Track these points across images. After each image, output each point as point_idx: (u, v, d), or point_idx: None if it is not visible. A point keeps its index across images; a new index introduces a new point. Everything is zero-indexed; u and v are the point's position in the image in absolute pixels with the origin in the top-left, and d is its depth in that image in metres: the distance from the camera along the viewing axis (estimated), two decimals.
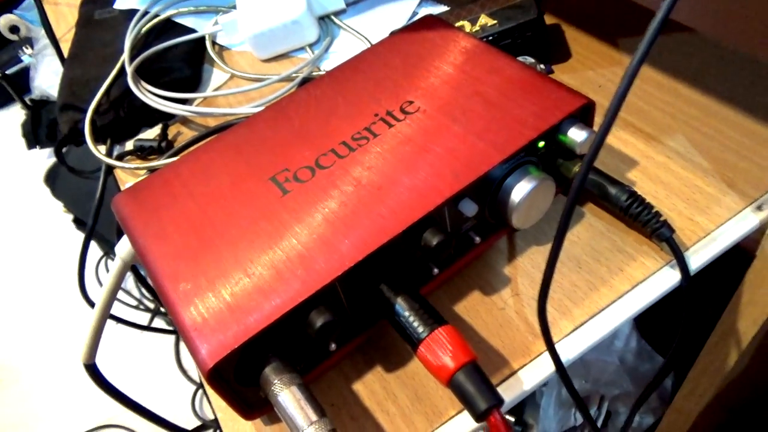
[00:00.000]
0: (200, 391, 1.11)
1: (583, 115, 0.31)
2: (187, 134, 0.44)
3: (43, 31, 1.49)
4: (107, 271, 1.29)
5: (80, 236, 1.21)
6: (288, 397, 0.24)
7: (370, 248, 0.26)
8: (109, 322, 0.39)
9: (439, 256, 0.28)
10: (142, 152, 0.43)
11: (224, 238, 0.28)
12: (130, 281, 1.25)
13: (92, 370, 0.40)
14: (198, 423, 1.06)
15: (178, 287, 0.27)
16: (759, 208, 0.32)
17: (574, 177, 0.32)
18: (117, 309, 1.05)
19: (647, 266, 0.31)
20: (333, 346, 0.28)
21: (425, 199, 0.28)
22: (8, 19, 1.70)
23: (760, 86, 0.37)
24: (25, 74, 1.63)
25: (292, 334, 0.26)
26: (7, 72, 1.61)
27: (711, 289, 0.40)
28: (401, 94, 0.33)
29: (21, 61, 1.63)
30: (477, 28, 0.41)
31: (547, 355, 0.28)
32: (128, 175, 0.43)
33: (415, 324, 0.26)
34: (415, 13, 0.49)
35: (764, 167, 0.33)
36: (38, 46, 1.54)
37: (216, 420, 0.91)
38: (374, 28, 0.48)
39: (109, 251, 1.27)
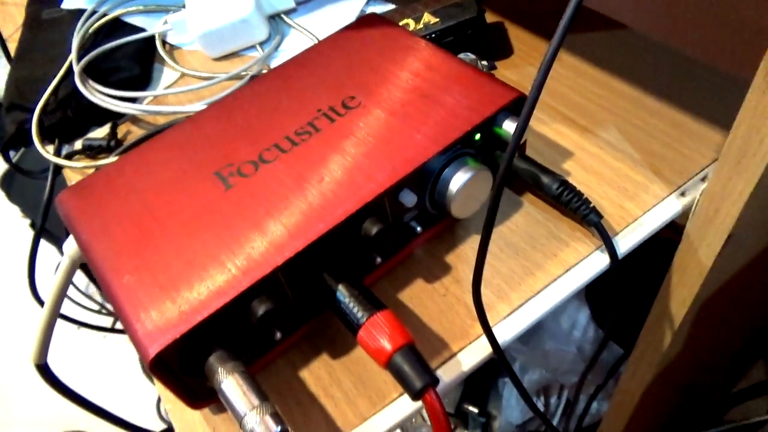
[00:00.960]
0: None
1: (518, 108, 0.33)
2: (137, 133, 0.45)
3: None
4: None
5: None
6: (231, 384, 0.25)
7: (310, 238, 0.27)
8: (71, 327, 0.39)
9: (380, 245, 0.29)
10: (91, 151, 0.43)
11: (167, 232, 0.28)
12: (93, 286, 1.23)
13: (43, 370, 0.40)
14: (163, 426, 1.05)
15: (122, 280, 0.27)
16: (682, 194, 0.34)
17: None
18: (79, 313, 1.04)
19: (579, 251, 0.32)
20: (278, 335, 0.29)
21: (364, 190, 0.29)
22: None
23: (687, 79, 0.40)
24: None
25: (236, 324, 0.27)
26: None
27: (654, 275, 0.42)
28: (343, 90, 0.34)
29: None
30: (420, 26, 0.42)
31: (484, 338, 0.29)
32: (77, 174, 0.43)
33: (355, 310, 0.27)
34: (363, 12, 0.50)
35: (688, 156, 0.35)
36: None
37: None
38: (324, 26, 0.49)
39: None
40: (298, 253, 0.27)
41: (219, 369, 0.26)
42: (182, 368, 0.26)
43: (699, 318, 0.40)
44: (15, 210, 1.43)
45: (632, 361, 0.47)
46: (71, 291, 1.15)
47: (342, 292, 0.28)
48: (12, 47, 0.53)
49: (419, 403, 0.27)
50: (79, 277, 1.20)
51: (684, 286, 0.36)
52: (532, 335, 0.86)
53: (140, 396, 1.09)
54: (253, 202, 0.29)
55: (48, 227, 0.49)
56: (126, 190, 0.31)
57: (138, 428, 0.71)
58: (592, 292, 0.82)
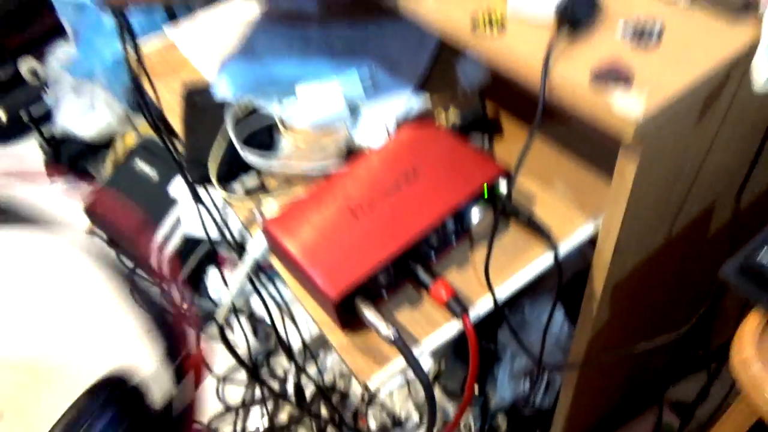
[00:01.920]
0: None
1: (507, 173, 0.61)
2: (271, 180, 0.72)
3: (63, 75, 1.72)
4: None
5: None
6: (371, 312, 0.53)
7: (405, 240, 0.55)
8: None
9: (435, 248, 0.57)
10: (249, 192, 0.70)
11: (340, 234, 0.56)
12: None
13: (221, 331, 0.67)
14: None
15: (314, 260, 0.55)
16: (595, 219, 0.62)
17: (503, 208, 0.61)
18: None
19: (537, 253, 0.60)
20: (384, 293, 0.57)
21: (428, 218, 0.57)
22: (29, 63, 1.94)
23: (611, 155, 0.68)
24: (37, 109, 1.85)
25: (369, 284, 0.55)
26: (31, 111, 1.84)
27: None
28: (408, 167, 0.62)
29: (42, 100, 1.86)
30: (449, 115, 0.70)
31: (489, 295, 0.57)
32: (238, 204, 0.70)
33: (426, 278, 0.55)
34: (409, 99, 0.78)
35: (599, 198, 0.63)
36: (59, 89, 1.76)
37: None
38: (384, 109, 0.77)
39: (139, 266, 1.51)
40: (400, 247, 0.55)
41: (363, 305, 0.53)
42: (343, 305, 0.54)
43: (613, 299, 0.68)
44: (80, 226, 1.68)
45: (576, 335, 0.74)
46: None
47: (420, 269, 0.56)
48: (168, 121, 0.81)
49: (460, 325, 0.55)
50: None
51: (598, 277, 0.64)
52: (519, 329, 1.12)
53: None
54: (380, 221, 0.57)
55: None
56: (310, 213, 0.59)
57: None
58: (566, 295, 1.09)
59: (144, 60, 0.67)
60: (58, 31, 1.96)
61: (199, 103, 0.80)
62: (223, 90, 0.80)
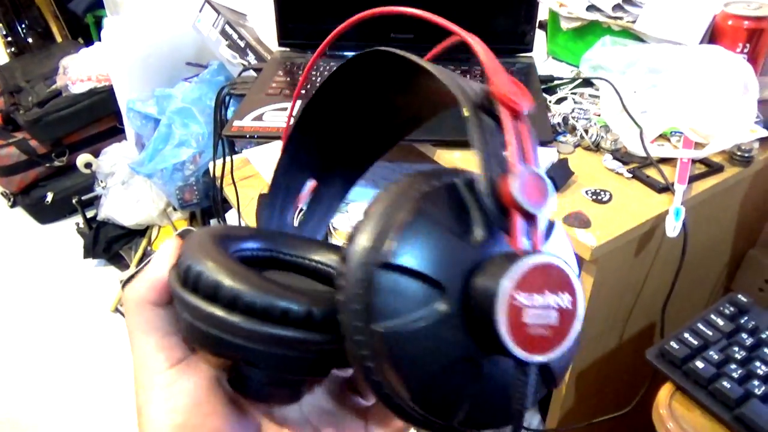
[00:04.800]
0: None
1: None
2: None
3: (113, 169, 2.00)
4: None
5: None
6: None
7: None
8: None
9: None
10: None
11: None
12: None
13: None
14: None
15: None
16: None
17: None
18: None
19: None
20: None
21: None
22: (84, 157, 2.24)
23: None
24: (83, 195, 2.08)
25: None
26: (83, 197, 2.08)
27: None
28: None
29: (94, 190, 2.12)
30: None
31: None
32: None
33: None
34: None
35: None
36: (110, 180, 2.03)
37: None
38: None
39: None
40: None
41: None
42: None
43: (578, 386, 0.88)
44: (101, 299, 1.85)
45: (548, 417, 0.94)
46: None
47: None
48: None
49: None
50: None
51: None
52: None
53: None
54: None
55: None
56: None
57: None
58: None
59: (233, 172, 0.92)
60: (113, 132, 2.28)
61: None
62: None
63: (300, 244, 0.32)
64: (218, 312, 0.24)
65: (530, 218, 0.23)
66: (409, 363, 0.21)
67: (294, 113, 0.36)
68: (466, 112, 0.24)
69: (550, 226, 0.25)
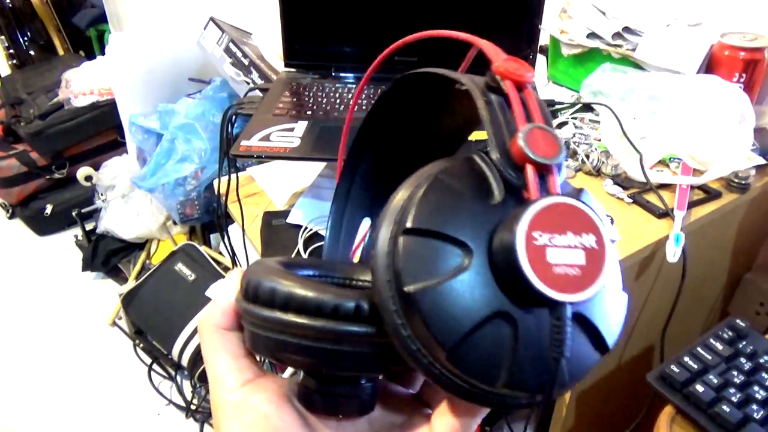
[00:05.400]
0: None
1: None
2: None
3: (114, 182, 2.00)
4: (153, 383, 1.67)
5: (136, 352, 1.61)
6: None
7: None
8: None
9: None
10: None
11: None
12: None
13: None
14: None
15: None
16: None
17: None
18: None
19: None
20: None
21: None
22: (84, 170, 2.24)
23: None
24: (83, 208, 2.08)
25: None
26: (82, 210, 2.08)
27: None
28: None
29: (93, 203, 2.12)
30: None
31: None
32: None
33: None
34: None
35: None
36: (110, 194, 2.03)
37: None
38: None
39: (158, 358, 1.67)
40: None
41: None
42: None
43: (578, 408, 0.89)
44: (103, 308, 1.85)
45: None
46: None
47: None
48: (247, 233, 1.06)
49: None
50: None
51: None
52: None
53: None
54: None
55: None
56: None
57: None
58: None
59: (238, 189, 0.93)
60: (114, 146, 2.29)
61: (275, 223, 1.06)
62: (297, 218, 1.06)
63: (352, 268, 0.33)
64: (273, 314, 0.26)
65: (544, 169, 0.23)
66: (440, 320, 0.21)
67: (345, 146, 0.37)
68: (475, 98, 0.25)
69: (578, 192, 0.25)
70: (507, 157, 0.23)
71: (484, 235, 0.23)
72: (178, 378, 1.66)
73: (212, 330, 0.29)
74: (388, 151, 0.36)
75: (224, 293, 0.29)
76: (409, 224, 0.22)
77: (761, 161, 0.85)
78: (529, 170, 0.23)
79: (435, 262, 0.22)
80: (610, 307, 0.24)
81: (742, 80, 0.93)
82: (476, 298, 0.22)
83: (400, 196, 0.24)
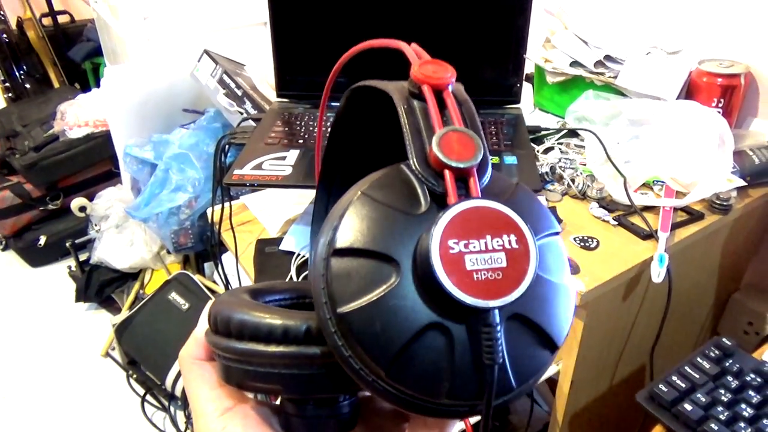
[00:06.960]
0: None
1: None
2: None
3: (108, 212, 2.01)
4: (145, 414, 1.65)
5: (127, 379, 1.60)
6: None
7: None
8: None
9: None
10: None
11: None
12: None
13: None
14: None
15: None
16: (557, 364, 0.87)
17: None
18: None
19: None
20: None
21: None
22: (78, 201, 2.25)
23: None
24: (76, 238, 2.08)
25: None
26: (76, 241, 2.08)
27: None
28: None
29: (87, 233, 2.12)
30: None
31: None
32: None
33: None
34: None
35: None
36: (104, 224, 2.04)
37: None
38: None
39: (152, 389, 1.65)
40: None
41: None
42: None
43: (572, 427, 0.90)
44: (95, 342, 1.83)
45: None
46: None
47: None
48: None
49: None
50: None
51: (560, 404, 0.87)
52: None
53: None
54: None
55: None
56: None
57: None
58: None
59: (231, 218, 0.95)
60: (108, 177, 2.30)
61: (268, 250, 1.07)
62: (290, 245, 1.07)
63: None
64: (230, 343, 0.26)
65: (462, 173, 0.23)
66: (373, 339, 0.21)
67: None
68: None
69: (514, 188, 0.25)
70: (425, 164, 0.23)
71: (411, 248, 0.22)
72: (172, 408, 1.64)
73: (190, 362, 0.29)
74: (355, 166, 0.36)
75: (200, 325, 0.30)
76: (337, 245, 0.22)
77: (742, 183, 0.88)
78: (447, 176, 0.23)
79: (365, 280, 0.22)
80: (551, 302, 0.24)
81: (720, 105, 0.96)
82: (407, 313, 0.22)
83: (333, 213, 0.24)
